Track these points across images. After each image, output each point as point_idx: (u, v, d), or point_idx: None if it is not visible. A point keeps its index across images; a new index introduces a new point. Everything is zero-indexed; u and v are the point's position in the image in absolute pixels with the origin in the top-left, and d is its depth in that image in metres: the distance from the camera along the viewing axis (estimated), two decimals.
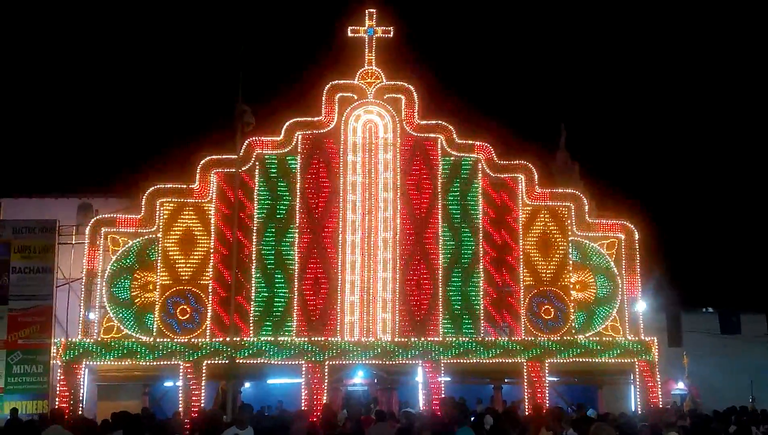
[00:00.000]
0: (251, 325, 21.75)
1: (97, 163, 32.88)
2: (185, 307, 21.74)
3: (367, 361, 21.59)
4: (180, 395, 20.80)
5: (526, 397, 21.47)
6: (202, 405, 20.00)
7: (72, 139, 36.35)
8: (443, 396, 19.80)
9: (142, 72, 43.69)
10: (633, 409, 21.13)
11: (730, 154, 43.36)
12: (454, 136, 23.14)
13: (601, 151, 38.59)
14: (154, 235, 21.99)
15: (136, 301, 21.68)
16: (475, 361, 21.51)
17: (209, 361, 20.81)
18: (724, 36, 47.80)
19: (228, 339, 20.34)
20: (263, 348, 21.10)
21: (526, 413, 18.68)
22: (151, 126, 39.15)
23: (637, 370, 22.01)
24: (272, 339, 21.38)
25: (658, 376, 22.18)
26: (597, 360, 21.90)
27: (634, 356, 22.05)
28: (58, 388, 20.64)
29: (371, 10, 23.78)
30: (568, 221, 23.08)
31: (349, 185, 22.66)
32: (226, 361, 19.90)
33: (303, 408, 19.84)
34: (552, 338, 22.11)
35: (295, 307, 22.01)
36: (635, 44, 49.84)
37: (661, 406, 20.88)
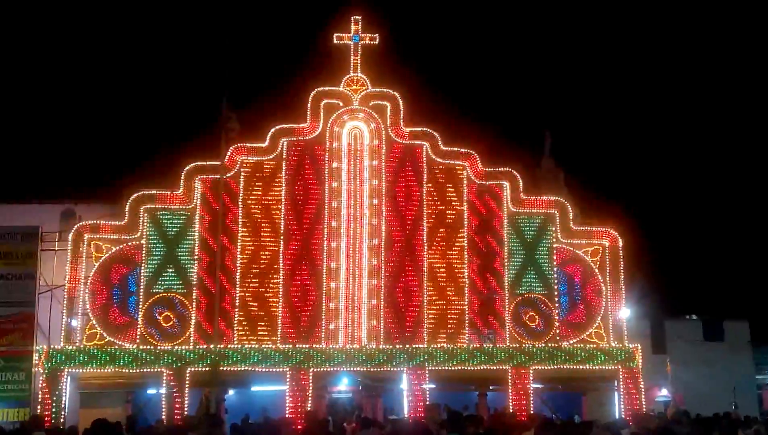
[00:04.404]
0: (235, 332, 21.67)
1: (81, 170, 32.64)
2: (169, 313, 21.64)
3: (351, 369, 21.53)
4: (163, 403, 20.68)
5: (510, 404, 21.48)
6: (186, 413, 19.88)
7: (55, 144, 36.15)
8: (428, 403, 19.81)
9: (126, 78, 43.56)
10: (617, 416, 21.17)
11: (715, 162, 43.68)
12: (440, 143, 23.21)
13: (586, 158, 38.76)
14: (137, 242, 21.89)
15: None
16: (460, 368, 21.51)
17: (193, 369, 20.70)
18: (708, 42, 48.17)
19: (212, 346, 20.25)
20: (247, 355, 21.02)
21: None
22: (135, 132, 38.99)
23: (621, 376, 22.05)
24: (256, 346, 21.31)
25: (642, 382, 22.25)
26: (581, 367, 21.94)
27: (618, 363, 22.10)
28: (40, 396, 20.45)
29: (357, 17, 23.83)
30: (553, 228, 23.17)
31: (335, 192, 22.65)
32: (210, 368, 19.78)
33: (288, 415, 19.80)
34: (536, 345, 22.15)
35: (281, 314, 21.96)
36: (620, 51, 50.13)
37: (644, 411, 20.94)
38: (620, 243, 23.38)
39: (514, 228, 23.16)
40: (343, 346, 21.62)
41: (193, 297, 21.76)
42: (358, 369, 21.49)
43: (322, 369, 21.22)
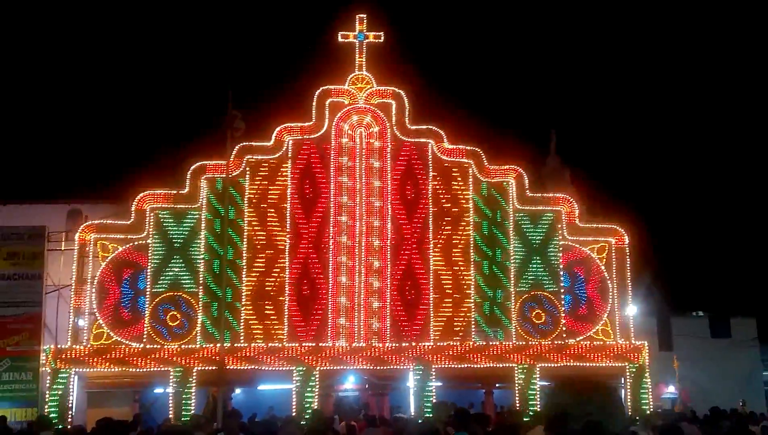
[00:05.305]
0: (242, 330, 21.68)
1: (87, 169, 32.78)
2: (175, 313, 21.66)
3: (358, 367, 21.55)
4: (170, 402, 20.71)
5: (517, 401, 21.48)
6: (193, 411, 19.91)
7: (61, 144, 36.25)
8: (435, 400, 19.80)
9: (132, 78, 43.63)
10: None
11: (721, 159, 43.57)
12: (445, 140, 23.18)
13: (592, 155, 38.74)
14: (143, 241, 21.90)
15: None
16: (466, 365, 21.51)
17: (199, 368, 20.73)
18: (716, 40, 48.01)
19: (218, 345, 20.26)
20: (254, 354, 21.03)
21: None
22: (141, 131, 39.07)
23: (627, 374, 22.05)
24: (263, 345, 21.33)
25: (649, 379, 22.23)
26: (588, 364, 21.92)
27: (624, 360, 22.10)
28: (47, 396, 20.50)
29: (361, 15, 23.78)
30: (559, 226, 23.13)
31: (340, 190, 22.64)
32: (216, 367, 19.80)
33: (293, 414, 19.81)
34: (543, 343, 22.14)
35: (287, 313, 21.97)
36: (626, 49, 50.03)
37: (651, 409, 20.92)
38: (627, 240, 23.33)
39: (521, 225, 23.11)
40: (350, 345, 21.63)
41: (200, 296, 21.76)
42: (365, 367, 21.51)
43: (328, 367, 21.24)
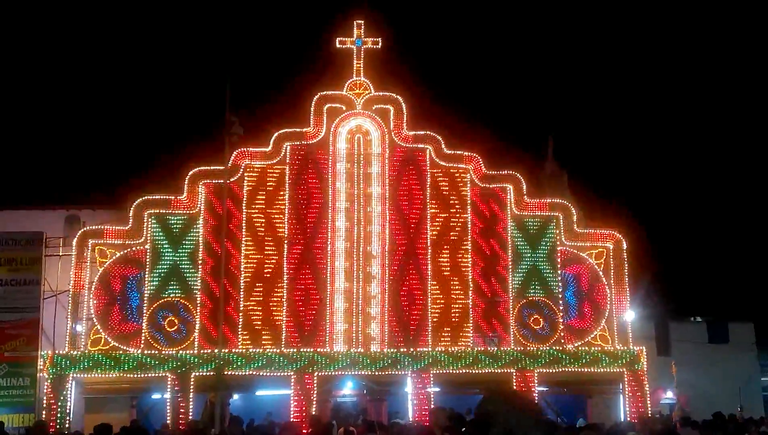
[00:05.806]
0: (240, 336, 21.67)
1: (85, 175, 32.74)
2: (173, 318, 21.65)
3: (356, 372, 21.52)
4: (168, 407, 20.68)
5: None
6: (191, 417, 19.89)
7: (59, 150, 36.20)
8: (433, 406, 19.79)
9: (130, 83, 43.60)
10: (622, 419, 21.14)
11: (719, 164, 43.62)
12: (443, 146, 23.20)
13: (590, 160, 38.74)
14: (141, 247, 21.90)
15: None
16: (464, 371, 21.50)
17: (197, 373, 20.70)
18: (712, 45, 48.12)
19: (216, 350, 20.24)
20: (252, 359, 21.01)
21: None
22: (138, 137, 39.06)
23: (625, 379, 22.04)
24: (261, 350, 21.31)
25: (647, 385, 22.21)
26: (586, 370, 21.92)
27: (622, 365, 22.08)
28: (45, 401, 20.47)
29: (359, 21, 23.82)
30: (557, 231, 23.15)
31: (338, 196, 22.64)
32: (214, 373, 19.77)
33: (291, 419, 19.80)
34: (541, 348, 22.13)
35: (285, 318, 21.95)
36: (622, 54, 50.11)
37: (650, 414, 20.91)
38: (624, 245, 23.35)
39: (518, 231, 23.12)
40: (348, 350, 21.61)
41: (198, 301, 21.76)
42: (363, 373, 21.49)
43: (326, 373, 21.22)
